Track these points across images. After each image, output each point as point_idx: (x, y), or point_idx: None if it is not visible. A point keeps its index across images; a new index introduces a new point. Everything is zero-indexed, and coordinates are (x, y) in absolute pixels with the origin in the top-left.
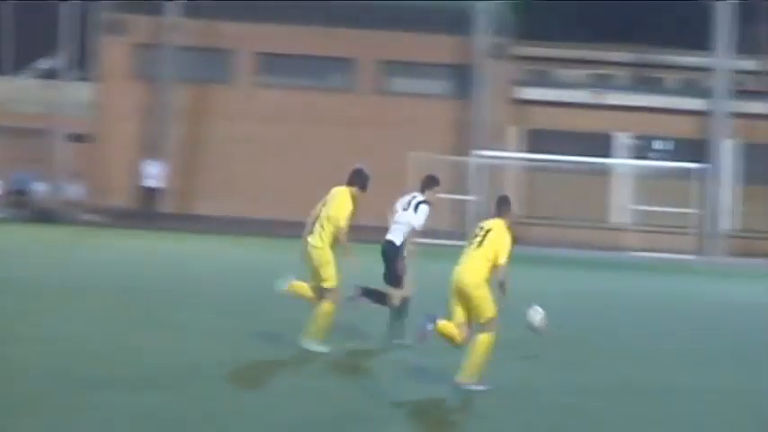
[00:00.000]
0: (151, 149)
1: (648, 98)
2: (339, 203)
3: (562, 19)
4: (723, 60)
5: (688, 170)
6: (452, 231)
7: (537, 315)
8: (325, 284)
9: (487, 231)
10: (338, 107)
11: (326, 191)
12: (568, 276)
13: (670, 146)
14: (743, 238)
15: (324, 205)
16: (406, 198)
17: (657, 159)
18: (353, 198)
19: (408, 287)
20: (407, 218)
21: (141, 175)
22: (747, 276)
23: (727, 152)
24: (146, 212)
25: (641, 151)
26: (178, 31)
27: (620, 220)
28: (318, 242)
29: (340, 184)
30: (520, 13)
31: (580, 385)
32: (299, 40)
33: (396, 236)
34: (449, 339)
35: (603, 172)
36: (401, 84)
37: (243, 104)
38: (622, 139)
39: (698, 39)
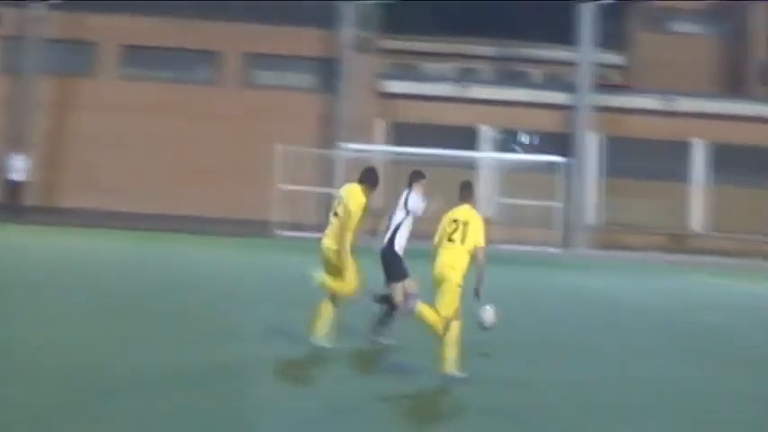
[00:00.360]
0: (16, 142)
1: (513, 92)
2: (354, 200)
3: (428, 13)
4: (587, 54)
5: (552, 163)
6: (318, 225)
7: (487, 313)
8: (344, 289)
9: (465, 224)
10: (204, 100)
11: (193, 184)
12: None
13: (535, 139)
14: (606, 230)
15: (338, 204)
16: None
17: (522, 153)
18: (365, 195)
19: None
20: (398, 217)
21: (5, 168)
22: (611, 269)
23: (590, 145)
24: (10, 206)
25: (506, 144)
26: (43, 24)
27: (486, 212)
28: (334, 244)
29: (204, 176)
30: (386, 7)
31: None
32: (165, 33)
33: (387, 238)
34: (429, 324)
35: (469, 165)
36: (267, 77)
37: (108, 97)
38: (488, 132)
39: (562, 33)
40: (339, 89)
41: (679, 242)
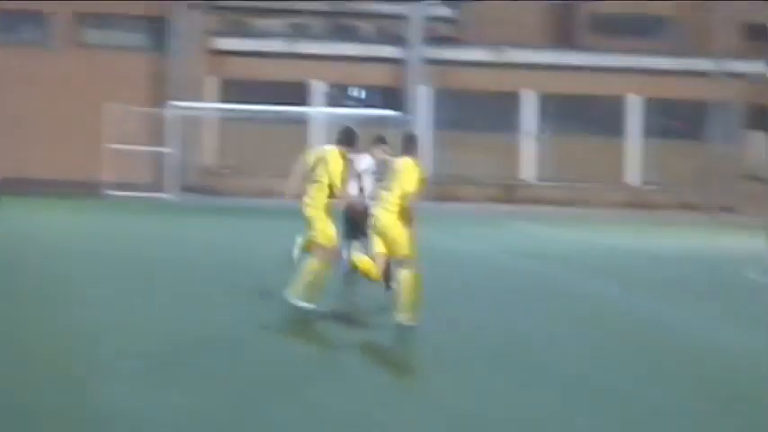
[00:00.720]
0: None
1: (344, 47)
2: (333, 166)
3: None
4: (418, 8)
5: (385, 118)
6: (149, 183)
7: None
8: (317, 239)
9: (396, 174)
10: (34, 61)
11: (23, 145)
12: (266, 225)
13: (366, 94)
14: (439, 183)
15: (319, 165)
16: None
17: (354, 107)
18: (344, 157)
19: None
20: (362, 177)
21: None
22: (441, 220)
23: (422, 99)
24: None
25: (338, 100)
26: None
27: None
28: (312, 201)
29: (35, 137)
30: None
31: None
32: None
33: (358, 197)
34: (366, 274)
35: (301, 121)
36: (98, 37)
37: None
38: (319, 87)
39: None
40: (170, 47)
41: (510, 193)
